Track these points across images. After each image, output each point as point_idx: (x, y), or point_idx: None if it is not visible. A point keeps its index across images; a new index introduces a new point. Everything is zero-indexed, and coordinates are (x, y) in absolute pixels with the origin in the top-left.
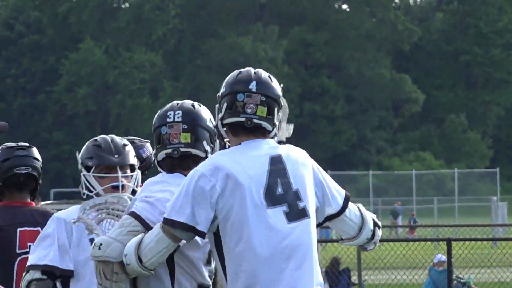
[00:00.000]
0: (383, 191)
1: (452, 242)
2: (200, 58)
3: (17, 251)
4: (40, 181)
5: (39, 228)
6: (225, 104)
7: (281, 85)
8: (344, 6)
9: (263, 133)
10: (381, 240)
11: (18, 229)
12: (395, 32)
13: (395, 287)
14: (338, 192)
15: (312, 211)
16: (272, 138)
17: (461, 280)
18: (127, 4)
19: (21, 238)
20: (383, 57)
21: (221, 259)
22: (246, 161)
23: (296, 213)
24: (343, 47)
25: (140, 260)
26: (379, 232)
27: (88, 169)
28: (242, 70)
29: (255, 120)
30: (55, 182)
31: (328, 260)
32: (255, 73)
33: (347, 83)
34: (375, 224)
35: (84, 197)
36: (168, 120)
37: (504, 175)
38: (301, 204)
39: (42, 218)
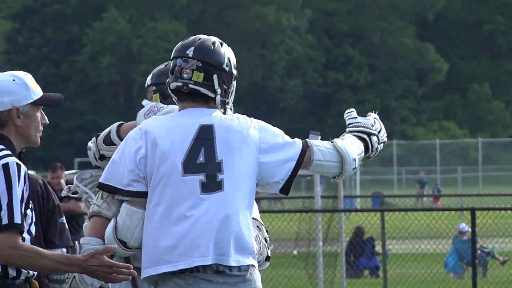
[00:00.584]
0: (407, 160)
1: (476, 211)
2: (223, 28)
3: None
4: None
5: None
6: (169, 70)
7: None
8: None
9: (204, 99)
10: (405, 210)
11: None
12: (419, 1)
13: (419, 256)
14: (284, 161)
15: (235, 183)
16: (222, 106)
17: (485, 250)
18: None
19: None
20: (406, 26)
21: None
22: (173, 127)
23: (213, 185)
24: (367, 16)
25: (124, 243)
26: (375, 139)
27: None
28: (192, 37)
29: (190, 85)
30: (79, 152)
31: (352, 229)
32: (199, 39)
33: (371, 52)
34: (367, 136)
35: None
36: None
37: None
38: (220, 176)
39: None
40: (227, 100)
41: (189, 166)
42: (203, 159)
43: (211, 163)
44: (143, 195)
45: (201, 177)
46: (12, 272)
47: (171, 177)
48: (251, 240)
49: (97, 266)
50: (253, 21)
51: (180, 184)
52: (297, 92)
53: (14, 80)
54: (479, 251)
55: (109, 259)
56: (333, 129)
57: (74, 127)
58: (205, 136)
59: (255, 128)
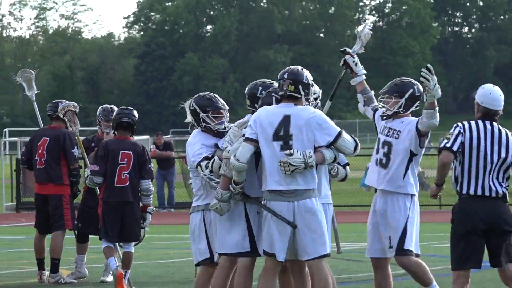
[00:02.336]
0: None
1: None
2: (247, 63)
3: (119, 162)
4: (135, 127)
5: (130, 152)
6: (278, 86)
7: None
8: (322, 34)
9: (294, 99)
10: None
11: (121, 151)
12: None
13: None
14: (328, 135)
15: (300, 146)
16: (306, 100)
17: None
18: (208, 30)
19: (122, 156)
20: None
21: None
22: (270, 114)
23: (286, 147)
24: (323, 55)
25: (238, 160)
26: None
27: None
28: (288, 67)
29: (288, 93)
30: (173, 125)
31: None
32: (290, 68)
33: (324, 75)
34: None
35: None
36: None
37: None
38: (290, 142)
39: (132, 146)
40: (307, 97)
41: (276, 136)
42: (282, 133)
43: (287, 135)
44: (255, 141)
45: (280, 142)
46: None
47: (267, 142)
48: None
49: None
50: (262, 58)
51: (272, 147)
52: None
53: (490, 94)
54: None
55: None
56: None
57: (171, 113)
58: (285, 120)
59: (314, 116)
